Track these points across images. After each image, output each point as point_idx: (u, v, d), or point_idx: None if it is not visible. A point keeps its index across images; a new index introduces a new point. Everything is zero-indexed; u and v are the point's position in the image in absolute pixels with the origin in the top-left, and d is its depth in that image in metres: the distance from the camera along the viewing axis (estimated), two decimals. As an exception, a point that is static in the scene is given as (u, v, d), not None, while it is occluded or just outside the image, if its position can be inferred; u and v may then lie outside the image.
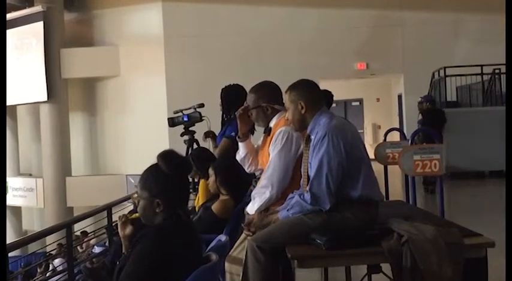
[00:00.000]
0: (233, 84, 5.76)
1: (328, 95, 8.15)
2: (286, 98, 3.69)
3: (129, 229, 2.93)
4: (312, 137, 3.56)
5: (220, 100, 5.72)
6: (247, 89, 5.65)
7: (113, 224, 7.04)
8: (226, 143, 5.52)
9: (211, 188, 4.93)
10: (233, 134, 5.47)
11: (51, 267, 12.20)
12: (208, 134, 5.88)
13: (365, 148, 3.66)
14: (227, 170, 4.84)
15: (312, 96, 3.65)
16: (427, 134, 9.54)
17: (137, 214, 2.92)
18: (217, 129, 5.94)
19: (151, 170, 2.82)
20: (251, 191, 4.22)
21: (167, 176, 2.77)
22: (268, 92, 4.11)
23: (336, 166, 3.42)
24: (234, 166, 5.05)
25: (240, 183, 4.81)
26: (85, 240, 12.62)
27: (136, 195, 2.89)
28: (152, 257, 2.62)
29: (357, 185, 3.47)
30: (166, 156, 2.81)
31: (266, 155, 3.95)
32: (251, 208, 3.81)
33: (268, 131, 3.98)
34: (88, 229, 12.08)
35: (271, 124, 4.00)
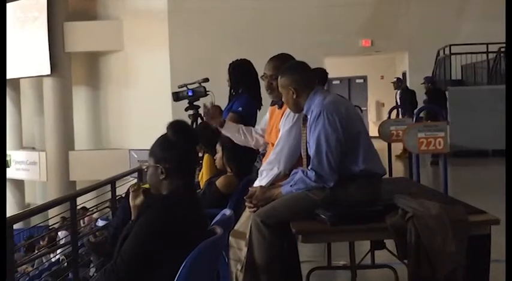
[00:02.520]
0: (241, 59, 5.72)
1: (323, 73, 8.13)
2: (278, 83, 3.70)
3: (139, 199, 2.93)
4: (309, 116, 3.56)
5: (227, 75, 5.68)
6: (252, 65, 5.64)
7: (117, 198, 7.05)
8: (233, 118, 5.49)
9: (218, 165, 4.91)
10: (240, 109, 5.45)
11: (57, 239, 12.26)
12: None
13: (363, 122, 3.68)
14: (234, 146, 4.82)
15: (302, 80, 3.62)
16: (431, 112, 9.58)
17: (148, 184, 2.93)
18: (221, 103, 5.91)
19: (159, 138, 2.84)
20: (256, 167, 4.21)
21: (172, 143, 2.78)
22: None
23: (334, 142, 3.42)
24: None
25: (246, 160, 4.80)
26: (87, 214, 12.65)
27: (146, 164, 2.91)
28: (155, 229, 2.63)
29: (358, 160, 3.48)
30: (174, 124, 2.83)
31: (275, 129, 3.94)
32: (258, 184, 3.81)
33: (280, 105, 3.96)
34: (90, 203, 12.10)
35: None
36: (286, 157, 3.79)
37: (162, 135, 2.83)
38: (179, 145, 2.78)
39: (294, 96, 3.61)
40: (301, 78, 3.62)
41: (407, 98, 13.95)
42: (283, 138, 3.82)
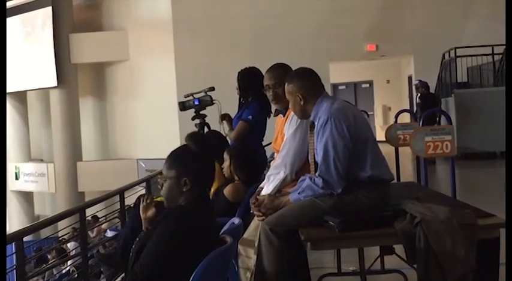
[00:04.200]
0: (249, 67, 5.73)
1: None
2: (285, 89, 3.70)
3: (151, 212, 2.97)
4: (316, 123, 3.56)
5: (235, 83, 5.69)
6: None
7: (125, 209, 7.06)
8: (243, 127, 5.50)
9: (226, 173, 4.89)
10: (250, 117, 5.46)
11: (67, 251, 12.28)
12: (224, 117, 5.86)
13: (370, 128, 3.68)
14: (242, 155, 4.80)
15: (309, 86, 3.63)
16: (429, 116, 9.56)
17: (160, 198, 2.95)
18: (227, 111, 5.92)
19: (180, 150, 2.89)
20: (264, 175, 4.21)
21: (196, 155, 2.83)
22: None
23: (341, 149, 3.43)
24: (249, 150, 5.02)
25: (255, 168, 4.79)
26: (96, 225, 12.66)
27: (161, 176, 2.93)
28: (175, 238, 2.66)
29: (365, 166, 3.48)
30: (196, 136, 2.91)
31: (281, 136, 3.95)
32: (266, 190, 3.82)
33: (284, 113, 3.97)
34: (99, 214, 12.13)
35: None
36: (292, 160, 3.79)
37: (181, 147, 2.89)
38: (202, 155, 2.83)
39: (301, 103, 3.61)
40: (308, 84, 3.63)
41: (425, 102, 13.21)
42: (288, 141, 3.83)
